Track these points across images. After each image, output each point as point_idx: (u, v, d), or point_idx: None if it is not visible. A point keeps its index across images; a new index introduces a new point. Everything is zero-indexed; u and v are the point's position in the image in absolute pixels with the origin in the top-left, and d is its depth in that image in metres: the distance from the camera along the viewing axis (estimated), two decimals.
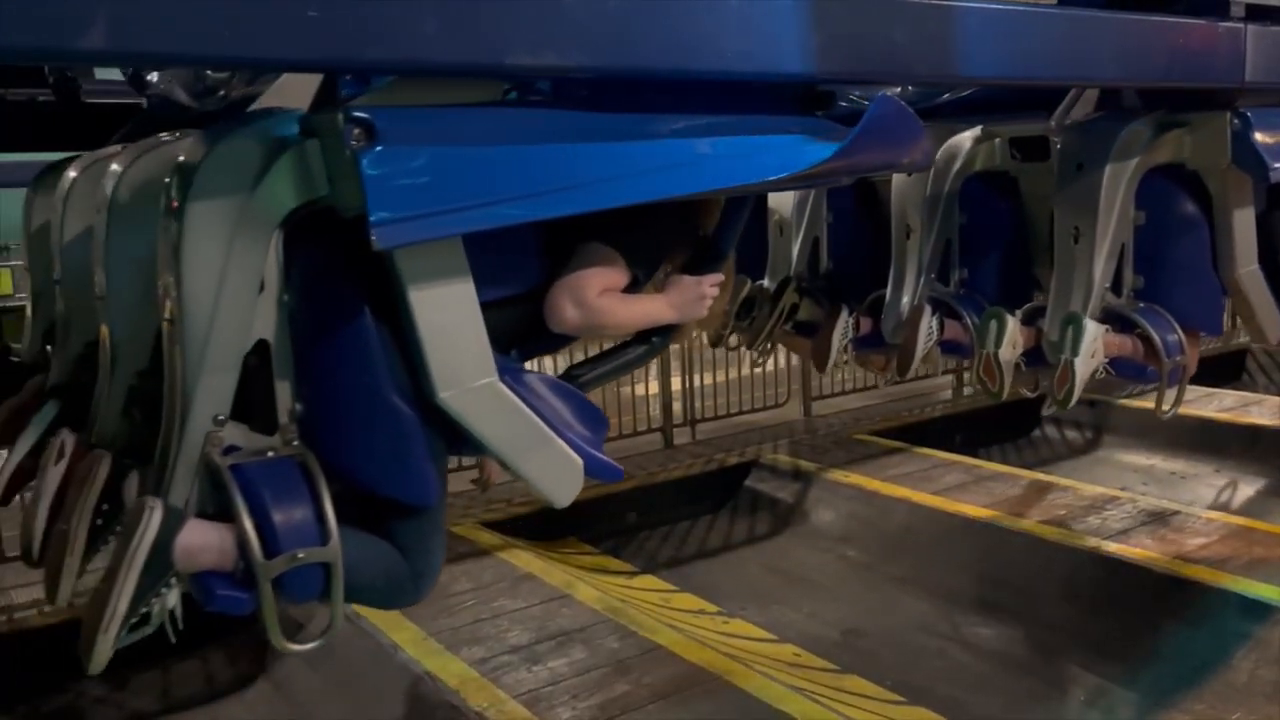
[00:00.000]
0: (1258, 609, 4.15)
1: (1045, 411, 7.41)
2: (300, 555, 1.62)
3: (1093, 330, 2.78)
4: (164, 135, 2.06)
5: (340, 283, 1.71)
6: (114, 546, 1.64)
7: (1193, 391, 7.45)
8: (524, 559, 4.92)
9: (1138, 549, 4.75)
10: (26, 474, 2.23)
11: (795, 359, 7.26)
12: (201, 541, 1.61)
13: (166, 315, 1.68)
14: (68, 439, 2.01)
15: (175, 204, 1.64)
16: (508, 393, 1.79)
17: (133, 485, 1.84)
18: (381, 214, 1.54)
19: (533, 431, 1.82)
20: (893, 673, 4.21)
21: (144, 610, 1.69)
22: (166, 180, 1.68)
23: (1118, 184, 2.74)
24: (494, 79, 2.00)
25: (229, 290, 1.64)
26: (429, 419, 1.74)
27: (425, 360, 1.70)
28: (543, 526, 5.58)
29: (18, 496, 2.43)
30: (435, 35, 1.57)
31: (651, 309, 2.04)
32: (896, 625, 4.75)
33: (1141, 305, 2.88)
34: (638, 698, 3.64)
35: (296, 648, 1.79)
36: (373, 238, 1.53)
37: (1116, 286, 2.87)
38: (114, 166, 2.02)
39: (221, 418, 1.66)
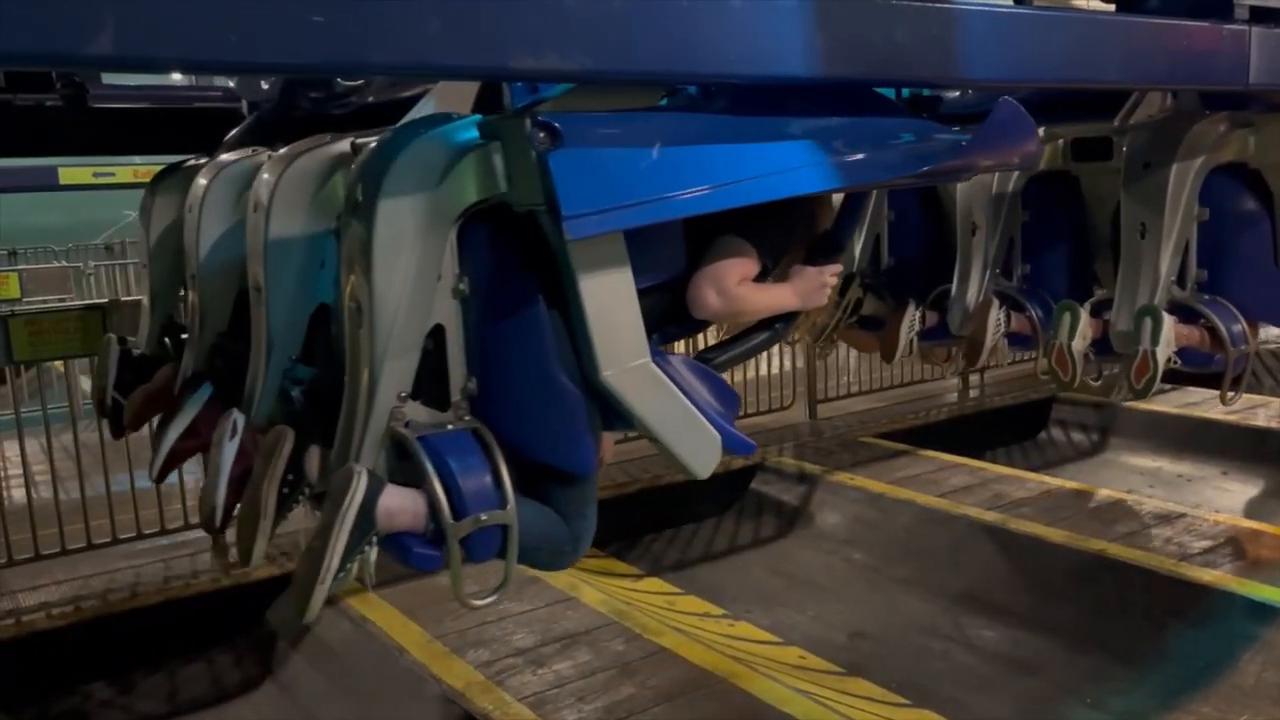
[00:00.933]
0: (1264, 611, 4.14)
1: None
2: (483, 518, 1.79)
3: (1169, 321, 2.90)
4: (305, 142, 2.24)
5: (513, 272, 1.86)
6: (324, 509, 1.77)
7: (1198, 394, 7.44)
8: None
9: (1144, 551, 4.75)
10: (181, 455, 2.44)
11: (800, 361, 7.27)
12: (399, 505, 1.77)
13: (352, 304, 1.84)
14: (238, 418, 2.16)
15: (363, 202, 1.79)
16: (659, 372, 1.94)
17: (313, 458, 1.99)
18: (572, 208, 1.68)
19: (679, 408, 1.96)
20: (898, 675, 4.21)
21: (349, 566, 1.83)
22: (352, 181, 1.84)
23: (1184, 182, 2.86)
24: (496, 80, 2.02)
25: (413, 280, 1.80)
26: (589, 396, 1.91)
27: (590, 342, 1.86)
28: None
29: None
30: (437, 37, 1.58)
31: (780, 297, 2.21)
32: (901, 627, 4.74)
33: (1206, 297, 3.00)
34: (643, 700, 3.65)
35: (478, 603, 1.96)
36: (566, 230, 1.68)
37: (1180, 279, 2.99)
38: (265, 174, 2.18)
39: (404, 395, 1.83)
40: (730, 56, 1.82)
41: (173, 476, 5.23)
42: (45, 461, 5.38)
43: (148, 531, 5.17)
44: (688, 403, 1.96)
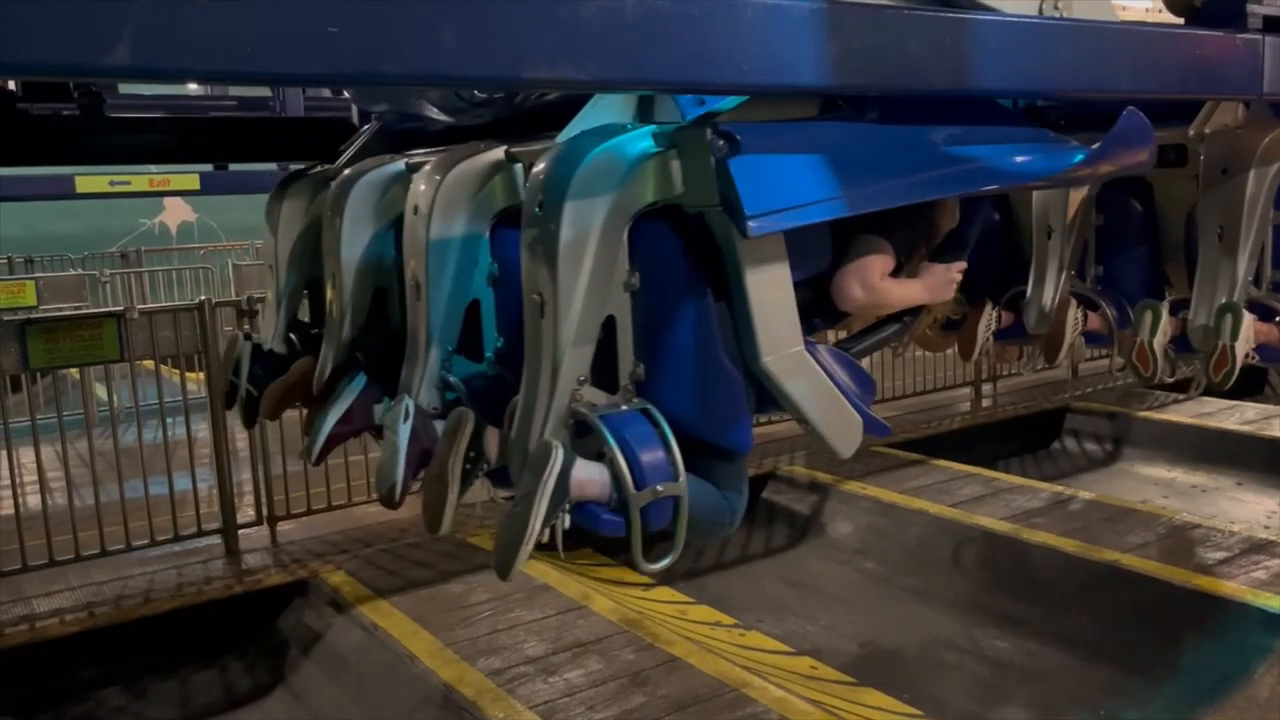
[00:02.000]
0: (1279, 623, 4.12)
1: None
2: (660, 489, 1.93)
3: (1248, 318, 3.03)
4: (462, 149, 2.42)
5: (681, 267, 2.03)
6: (524, 479, 1.94)
7: (1214, 404, 7.41)
8: (540, 570, 4.92)
9: (1158, 562, 4.72)
10: (337, 439, 2.63)
11: None
12: (588, 477, 1.93)
13: (535, 297, 2.00)
14: (410, 404, 2.32)
15: (549, 205, 1.96)
16: (810, 359, 2.10)
17: (492, 438, 2.17)
18: (753, 209, 1.84)
19: (827, 392, 2.12)
20: (910, 686, 4.20)
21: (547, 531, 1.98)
22: (535, 186, 2.01)
23: (1260, 188, 3.00)
24: (511, 90, 2.04)
25: (592, 275, 1.96)
26: (748, 380, 2.08)
27: (753, 330, 2.03)
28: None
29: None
30: (453, 49, 1.59)
31: (912, 292, 2.40)
32: (914, 638, 4.73)
33: None
34: (654, 709, 3.64)
35: (653, 566, 2.04)
36: (748, 229, 1.85)
37: (1256, 279, 3.12)
38: (425, 180, 2.36)
39: (583, 379, 2.00)
40: (742, 66, 1.83)
41: (184, 483, 5.27)
42: (60, 468, 5.42)
43: (161, 538, 5.19)
44: (833, 387, 2.13)
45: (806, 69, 1.89)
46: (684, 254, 2.03)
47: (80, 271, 10.09)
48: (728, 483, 2.14)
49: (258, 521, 5.50)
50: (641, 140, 1.98)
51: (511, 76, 1.68)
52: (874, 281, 2.28)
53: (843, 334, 2.64)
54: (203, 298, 5.44)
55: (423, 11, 1.57)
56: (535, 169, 2.04)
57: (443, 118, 2.73)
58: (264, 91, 7.12)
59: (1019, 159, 2.24)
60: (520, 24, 1.63)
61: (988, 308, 3.53)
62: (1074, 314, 3.42)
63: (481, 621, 4.36)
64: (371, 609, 4.48)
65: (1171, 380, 3.98)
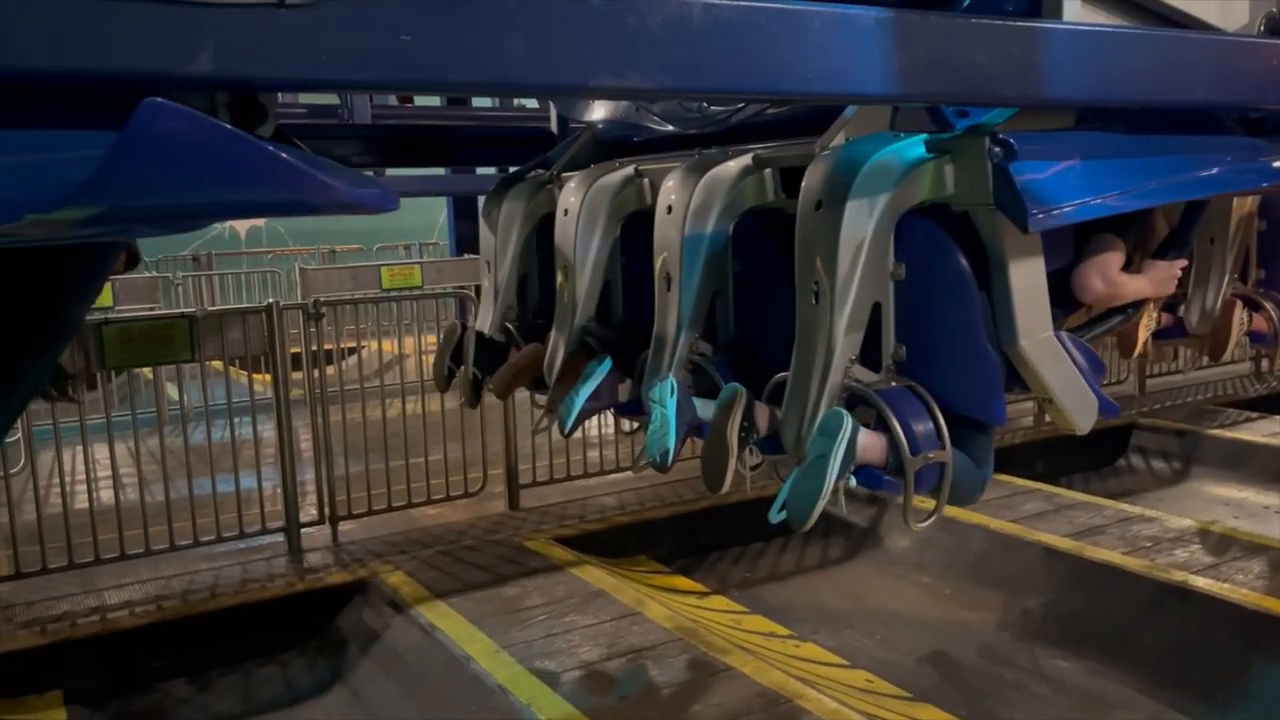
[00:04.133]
0: None
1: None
2: (930, 456, 2.20)
3: None
4: (715, 155, 2.67)
5: (950, 259, 2.27)
6: (813, 444, 2.18)
7: None
8: (596, 576, 4.95)
9: (1227, 584, 4.60)
10: (587, 414, 2.85)
11: None
12: (869, 443, 2.19)
13: (812, 286, 2.24)
14: (674, 382, 2.55)
15: (829, 204, 2.19)
16: (1058, 343, 2.37)
17: (763, 412, 2.39)
18: (1032, 207, 2.09)
19: (1071, 374, 2.38)
20: (967, 703, 4.14)
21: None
22: (814, 186, 2.24)
23: None
24: (576, 98, 2.08)
25: (865, 266, 2.19)
26: (1003, 361, 2.34)
27: (1012, 316, 2.29)
28: (615, 544, 5.61)
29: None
30: (521, 57, 1.62)
31: (1140, 286, 2.67)
32: (972, 655, 4.66)
33: None
34: (708, 718, 3.64)
35: (920, 526, 2.31)
36: (1029, 225, 2.09)
37: None
38: (676, 182, 2.63)
39: (853, 359, 2.25)
40: (807, 75, 1.84)
41: (250, 482, 5.38)
42: (132, 464, 5.57)
43: (226, 535, 5.32)
44: (1076, 369, 2.37)
45: (872, 78, 1.90)
46: (952, 247, 2.26)
47: (154, 274, 10.38)
48: (981, 453, 2.40)
49: (320, 521, 5.60)
50: (915, 147, 2.23)
51: (578, 84, 1.71)
52: (1112, 275, 2.56)
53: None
54: (270, 300, 5.56)
55: (491, 21, 1.60)
56: (812, 172, 2.26)
57: (663, 127, 3.02)
58: (332, 99, 7.28)
59: (1245, 166, 2.51)
60: (586, 33, 1.65)
61: (1149, 308, 3.64)
62: (1240, 314, 3.54)
63: (536, 625, 4.39)
64: (429, 609, 4.54)
65: None
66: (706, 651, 4.10)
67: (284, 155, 1.53)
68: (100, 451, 5.41)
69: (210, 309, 5.55)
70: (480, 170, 9.39)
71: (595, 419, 3.02)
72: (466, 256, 9.34)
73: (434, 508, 5.95)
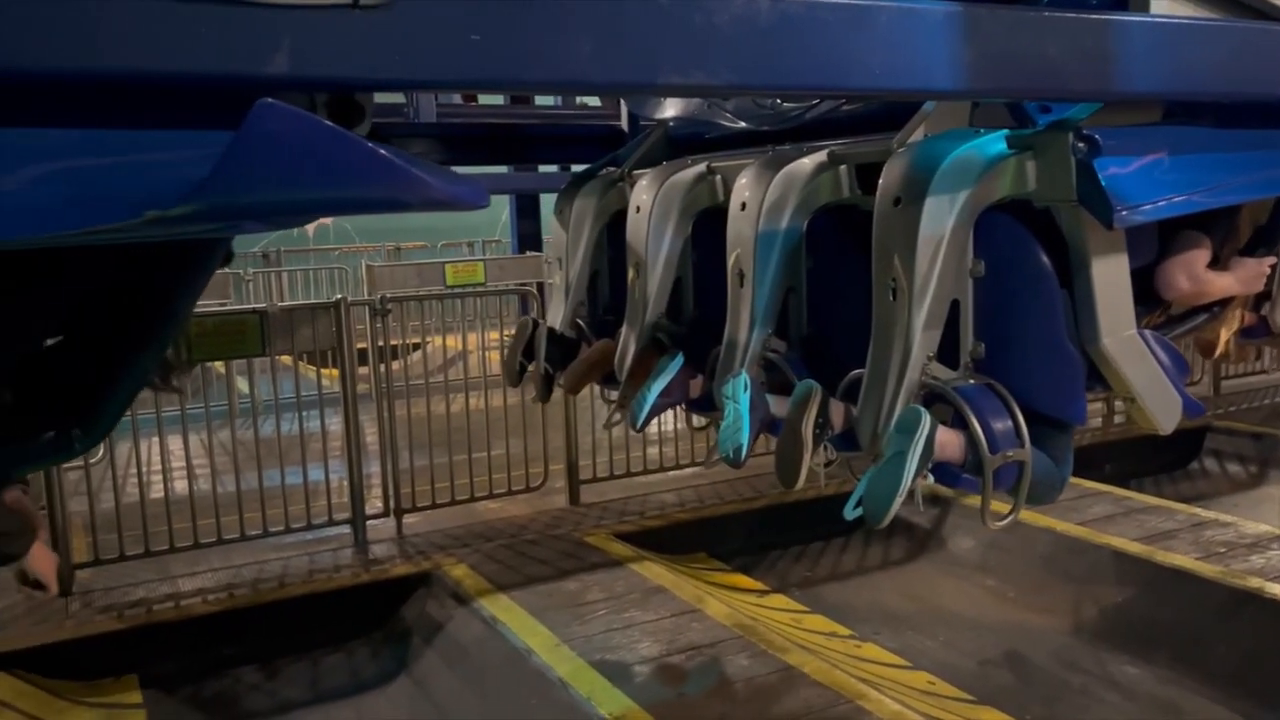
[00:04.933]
0: None
1: None
2: (1009, 454, 2.18)
3: None
4: (788, 151, 2.67)
5: (1032, 256, 2.25)
6: (892, 440, 2.17)
7: None
8: (655, 572, 4.96)
9: None
10: (659, 409, 2.89)
11: None
12: (947, 440, 2.18)
13: (890, 283, 2.23)
14: (747, 378, 2.57)
15: (908, 201, 2.17)
16: (1141, 341, 2.34)
17: (838, 409, 2.39)
18: (1117, 203, 2.07)
19: (1155, 373, 2.36)
20: (1032, 707, 4.07)
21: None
22: (892, 183, 2.22)
23: None
24: (646, 95, 2.09)
25: (944, 263, 2.18)
26: (1083, 359, 2.32)
27: (1095, 314, 2.26)
28: (675, 540, 5.62)
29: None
30: (590, 55, 1.63)
31: (1226, 284, 2.63)
32: (1037, 659, 4.58)
33: None
34: (768, 717, 3.63)
35: (998, 525, 2.28)
36: (1113, 220, 2.07)
37: None
38: (750, 179, 2.62)
39: (931, 356, 2.23)
40: (875, 70, 1.83)
41: (317, 474, 5.47)
42: (205, 456, 5.72)
43: (295, 526, 5.43)
44: (1159, 368, 2.34)
45: (941, 73, 1.88)
46: (1033, 244, 2.24)
47: (226, 270, 10.62)
48: (1060, 453, 2.37)
49: (385, 513, 5.70)
50: (996, 143, 2.20)
51: (645, 83, 1.72)
52: (1199, 273, 2.50)
53: None
54: (338, 296, 5.67)
55: (560, 20, 1.62)
56: (890, 168, 2.25)
57: (736, 124, 3.02)
58: (398, 97, 7.38)
59: None
60: (655, 31, 1.66)
61: (1234, 306, 3.59)
62: None
63: (597, 620, 4.42)
64: (491, 602, 4.59)
65: None
66: (766, 650, 4.09)
67: (387, 153, 1.59)
68: (175, 443, 5.56)
69: (281, 305, 5.66)
70: (542, 168, 9.46)
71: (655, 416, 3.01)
72: (528, 254, 9.42)
73: (495, 502, 6.02)
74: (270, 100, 1.47)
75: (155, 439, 5.25)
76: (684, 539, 5.68)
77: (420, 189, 1.62)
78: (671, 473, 6.47)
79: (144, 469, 5.13)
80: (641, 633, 4.30)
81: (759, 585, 5.42)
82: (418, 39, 1.53)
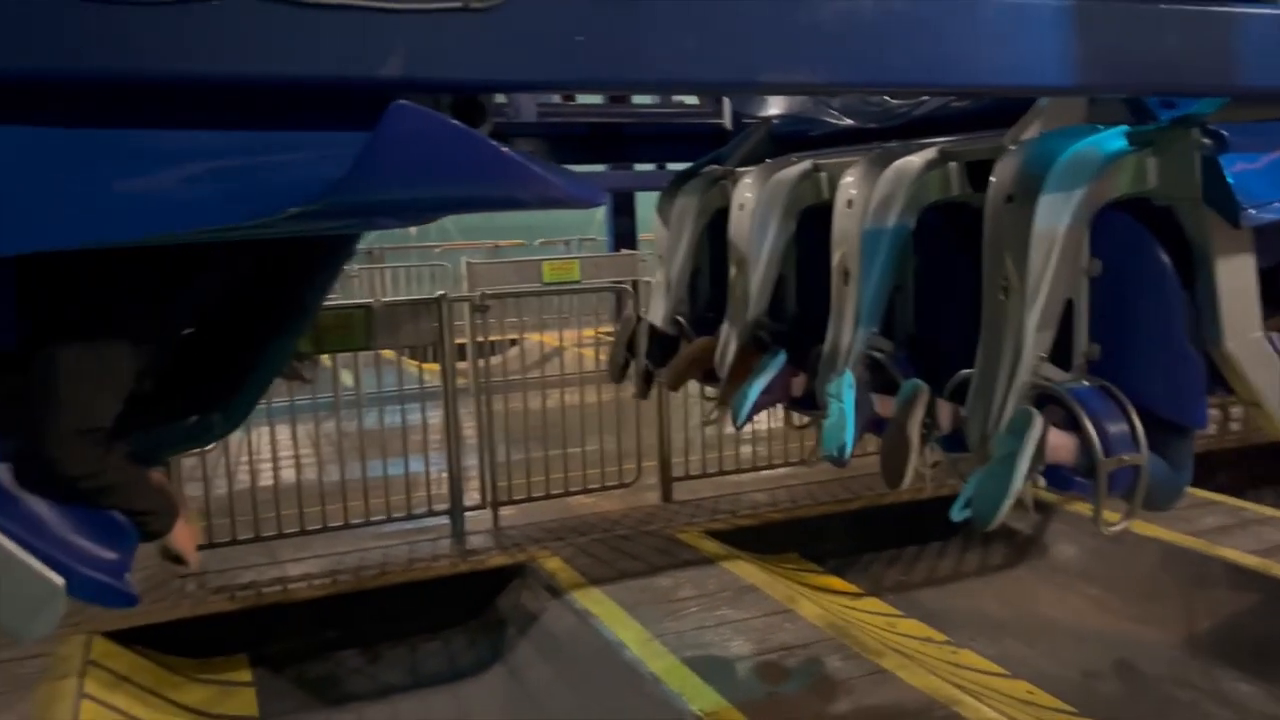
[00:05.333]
0: None
1: None
2: (1125, 459, 2.13)
3: None
4: (894, 149, 2.64)
5: (1152, 255, 2.20)
6: (1000, 441, 2.15)
7: None
8: (747, 571, 4.95)
9: None
10: (761, 406, 2.91)
11: None
12: (1059, 442, 2.13)
13: (1001, 282, 2.20)
14: (850, 377, 2.61)
15: (1021, 199, 2.13)
16: (1268, 345, 2.28)
17: (945, 409, 2.39)
18: (1245, 201, 2.03)
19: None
20: None
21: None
22: (1004, 181, 2.18)
23: None
24: (747, 93, 2.09)
25: (1058, 262, 2.14)
26: (1205, 362, 2.25)
27: (1218, 316, 2.20)
28: (767, 540, 5.60)
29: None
30: (693, 54, 1.65)
31: None
32: (1143, 673, 4.44)
33: None
34: (860, 719, 3.60)
35: (1111, 529, 2.24)
36: (1240, 218, 2.04)
37: None
38: (855, 178, 2.60)
39: (1043, 356, 2.20)
40: (981, 67, 1.80)
41: (417, 466, 5.62)
42: (311, 446, 5.92)
43: (395, 515, 5.58)
44: None
45: (1050, 69, 1.84)
46: (1153, 243, 2.19)
47: None
48: (1179, 458, 2.30)
49: (481, 505, 5.81)
50: (1115, 139, 2.14)
51: (747, 81, 1.73)
52: None
53: None
54: (440, 292, 5.80)
55: (664, 20, 1.64)
56: (1003, 165, 2.20)
57: (841, 121, 3.03)
58: (499, 98, 7.51)
59: None
60: (757, 29, 1.67)
61: None
62: None
63: (689, 616, 4.43)
64: (584, 595, 4.65)
65: None
66: (860, 652, 4.05)
67: (512, 153, 1.65)
68: (283, 433, 5.76)
69: (384, 300, 5.82)
70: (638, 167, 9.50)
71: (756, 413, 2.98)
72: (624, 252, 9.47)
73: (589, 496, 6.08)
74: (404, 102, 1.54)
75: (265, 429, 5.44)
76: (776, 539, 5.66)
77: (543, 188, 1.67)
78: (764, 472, 6.44)
79: (254, 457, 5.33)
80: (733, 631, 4.31)
81: (852, 588, 5.37)
82: (524, 40, 1.57)
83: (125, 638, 4.35)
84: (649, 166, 9.32)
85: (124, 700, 3.93)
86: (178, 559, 2.41)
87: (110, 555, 2.04)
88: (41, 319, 2.05)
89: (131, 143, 1.50)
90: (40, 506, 1.97)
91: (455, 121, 1.61)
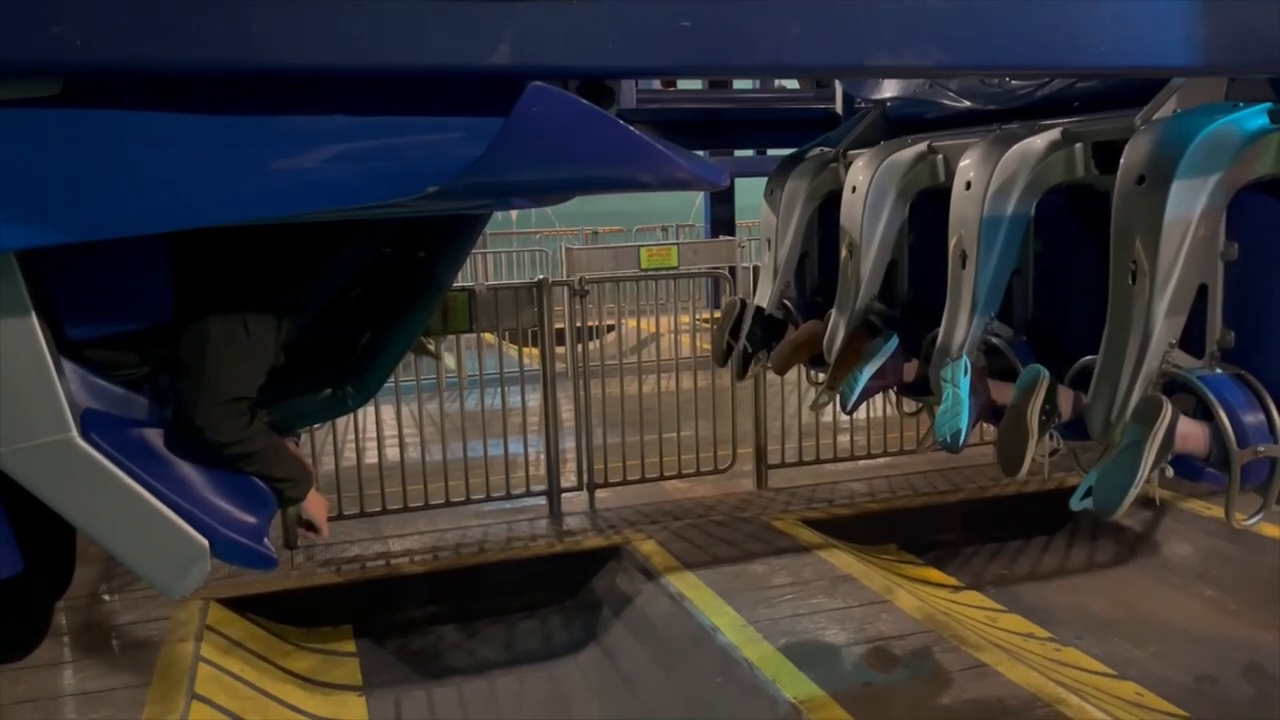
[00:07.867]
0: None
1: None
2: (1260, 450, 2.09)
3: None
4: (1015, 130, 2.60)
5: None
6: (1129, 429, 2.12)
7: None
8: (844, 560, 4.90)
9: None
10: (871, 391, 2.92)
11: None
12: (1189, 432, 2.10)
13: (1129, 266, 2.15)
14: (966, 362, 2.61)
15: (1155, 180, 2.08)
16: None
17: (1067, 396, 2.36)
18: None
19: None
20: None
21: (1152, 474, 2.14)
22: (1134, 162, 2.13)
23: None
24: (855, 76, 2.07)
25: (1192, 246, 2.10)
26: None
27: None
28: (863, 530, 5.54)
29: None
30: (797, 39, 1.63)
31: None
32: (1264, 679, 4.25)
33: None
34: (960, 714, 3.53)
35: (1246, 522, 2.19)
36: None
37: None
38: (975, 160, 2.56)
39: (1173, 343, 2.16)
40: (1100, 48, 1.75)
41: (516, 447, 5.68)
42: (414, 425, 6.07)
43: (494, 495, 5.69)
44: None
45: (1172, 50, 1.78)
46: None
47: None
48: None
49: (578, 487, 5.88)
50: (1257, 118, 2.07)
51: (853, 64, 1.71)
52: None
53: None
54: (540, 277, 5.87)
55: (767, 4, 1.63)
56: (1134, 146, 2.15)
57: (959, 103, 2.97)
58: None
59: None
60: (864, 12, 1.65)
61: None
62: None
63: (783, 604, 4.41)
64: (679, 579, 4.67)
65: None
66: (959, 646, 3.97)
67: (643, 135, 1.69)
68: (387, 413, 5.92)
69: (487, 284, 5.93)
70: (737, 153, 9.45)
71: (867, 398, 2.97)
72: (721, 238, 9.43)
73: (684, 481, 6.09)
74: (540, 84, 1.59)
75: (371, 409, 5.60)
76: (874, 529, 5.59)
77: (672, 169, 1.70)
78: (861, 462, 6.37)
79: (361, 436, 5.49)
80: (828, 620, 4.27)
81: (952, 581, 5.27)
82: (629, 26, 1.58)
83: (238, 605, 4.54)
84: (748, 153, 9.26)
85: (237, 665, 4.10)
86: (310, 526, 2.53)
87: (251, 519, 2.14)
88: (195, 293, 2.16)
89: (285, 127, 1.58)
90: (189, 471, 2.08)
91: (589, 104, 1.65)
